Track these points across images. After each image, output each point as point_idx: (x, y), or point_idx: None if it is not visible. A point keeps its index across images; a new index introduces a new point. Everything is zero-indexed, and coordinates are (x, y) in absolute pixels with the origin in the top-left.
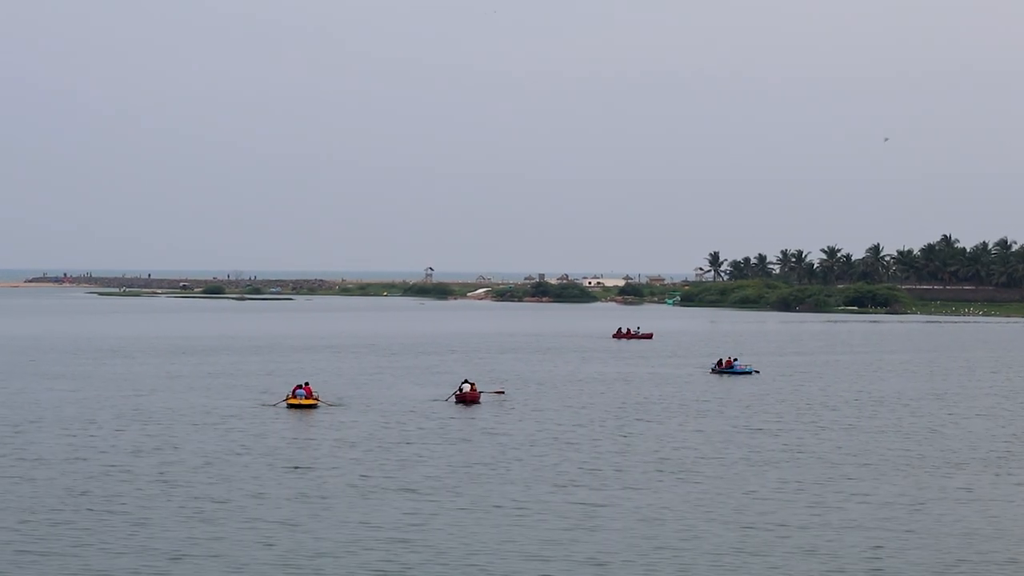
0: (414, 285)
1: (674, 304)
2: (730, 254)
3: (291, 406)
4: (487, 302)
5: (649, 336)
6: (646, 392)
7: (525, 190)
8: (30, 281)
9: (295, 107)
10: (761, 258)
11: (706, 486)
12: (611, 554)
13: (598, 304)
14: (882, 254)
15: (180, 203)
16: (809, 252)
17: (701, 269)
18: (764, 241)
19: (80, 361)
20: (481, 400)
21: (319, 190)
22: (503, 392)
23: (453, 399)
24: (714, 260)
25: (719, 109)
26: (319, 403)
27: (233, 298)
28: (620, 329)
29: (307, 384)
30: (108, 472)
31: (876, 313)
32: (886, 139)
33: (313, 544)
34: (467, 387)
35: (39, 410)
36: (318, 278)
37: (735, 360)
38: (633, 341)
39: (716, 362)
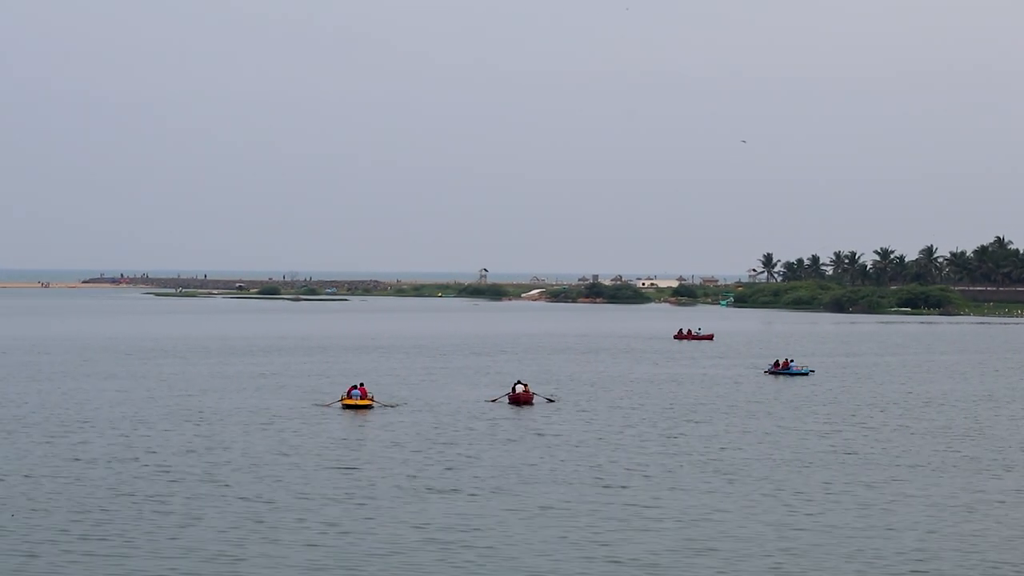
0: (468, 286)
1: (728, 305)
2: (783, 255)
3: (346, 406)
4: (541, 303)
5: (710, 337)
6: (699, 393)
7: (580, 191)
8: (87, 282)
9: (348, 110)
10: (814, 259)
11: (752, 487)
12: (656, 555)
13: (651, 305)
14: (935, 255)
15: (237, 205)
16: (862, 253)
17: (754, 270)
18: (817, 242)
19: (133, 361)
20: (534, 402)
21: (375, 191)
22: (554, 400)
23: (506, 400)
24: (767, 261)
25: (773, 109)
26: (374, 404)
27: (288, 299)
28: (681, 330)
29: (362, 385)
30: (157, 472)
31: (929, 314)
32: (743, 141)
33: (360, 545)
34: (520, 388)
35: (90, 410)
36: (373, 279)
37: (791, 361)
38: (694, 342)
39: (772, 363)
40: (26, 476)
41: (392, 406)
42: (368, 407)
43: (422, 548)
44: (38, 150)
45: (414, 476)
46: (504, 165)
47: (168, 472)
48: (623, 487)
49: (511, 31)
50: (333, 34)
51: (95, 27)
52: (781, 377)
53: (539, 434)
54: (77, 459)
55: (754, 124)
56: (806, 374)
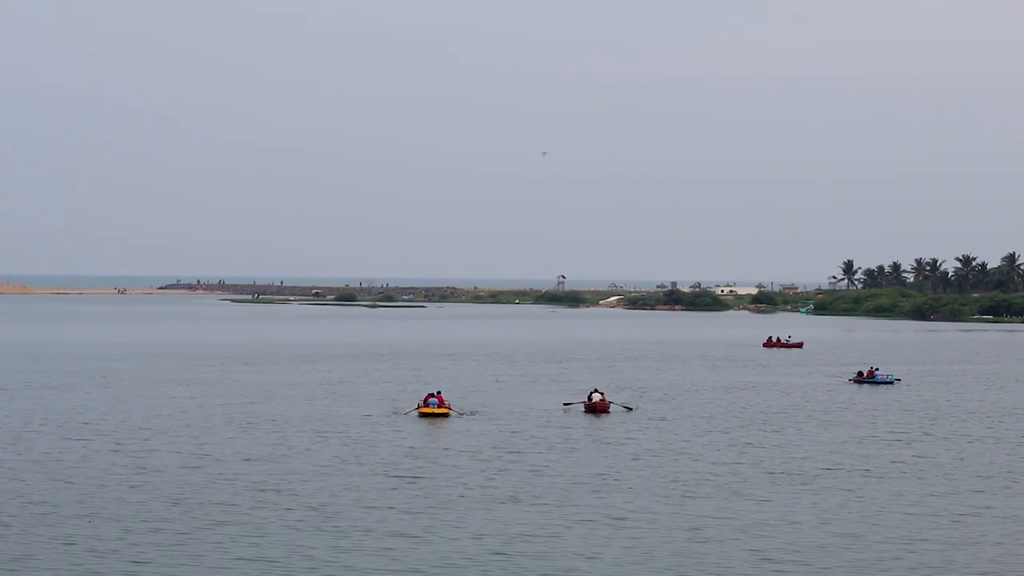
0: (546, 293)
1: (808, 313)
2: (864, 262)
3: (423, 415)
4: (619, 310)
5: (800, 345)
6: (781, 401)
7: (657, 197)
8: (163, 288)
9: (424, 116)
10: (895, 266)
11: (826, 497)
12: (724, 567)
13: (730, 312)
14: (1018, 263)
15: (312, 212)
16: (943, 261)
17: (834, 277)
18: (898, 249)
19: (204, 368)
20: (610, 410)
21: (453, 198)
22: (632, 409)
23: (582, 408)
24: (848, 268)
25: (848, 110)
26: (451, 412)
27: (365, 305)
28: (770, 338)
29: (439, 393)
30: (221, 479)
31: (1012, 322)
32: (544, 153)
33: (418, 556)
34: (597, 397)
35: (159, 416)
36: (450, 286)
37: (876, 370)
38: (783, 350)
39: (857, 372)
40: (100, 485)
41: (468, 414)
42: (445, 415)
43: (482, 560)
44: (116, 163)
45: (483, 486)
46: (582, 172)
47: (232, 480)
48: (693, 497)
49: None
50: (388, 40)
51: (174, 48)
52: (866, 386)
53: (612, 443)
54: (143, 466)
55: (830, 126)
56: (891, 383)
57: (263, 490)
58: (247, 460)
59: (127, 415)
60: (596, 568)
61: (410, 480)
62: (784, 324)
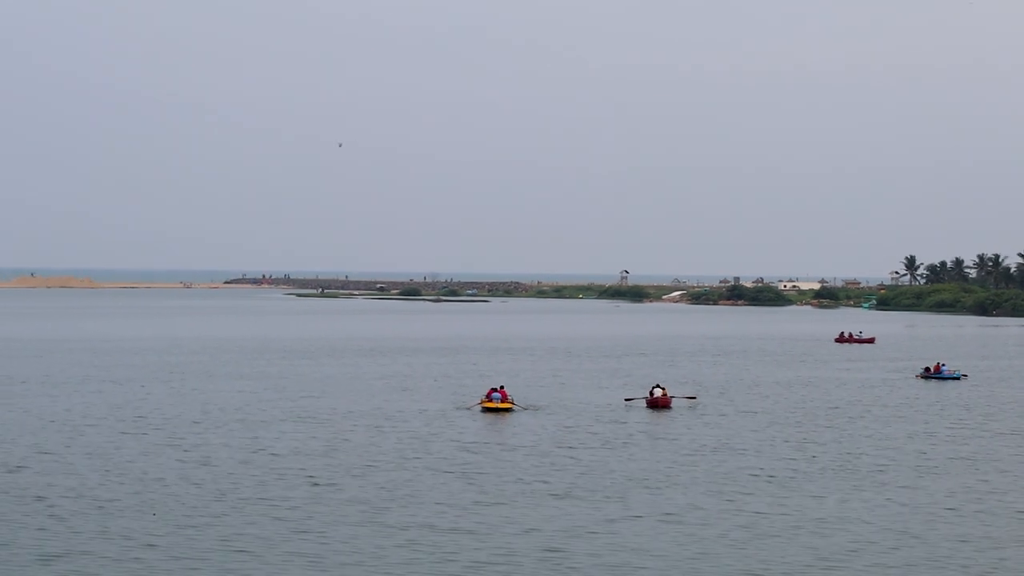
0: (609, 288)
1: (870, 308)
2: (926, 258)
3: (486, 409)
4: (682, 305)
5: (871, 340)
6: (842, 397)
7: (721, 191)
8: (229, 282)
9: (489, 112)
10: (957, 262)
11: (878, 493)
12: (778, 564)
13: (793, 307)
14: None
15: (377, 207)
16: (1006, 256)
17: (897, 273)
18: (960, 244)
19: (264, 362)
20: (673, 405)
21: (516, 193)
22: (695, 398)
23: (643, 403)
24: (910, 264)
25: (912, 103)
26: (514, 407)
27: (429, 300)
28: (842, 333)
29: (502, 387)
30: (273, 474)
31: None
32: (340, 145)
33: (475, 551)
34: (659, 392)
35: (217, 410)
36: (514, 280)
37: (943, 365)
38: (854, 345)
39: (924, 368)
40: (153, 479)
41: (531, 409)
42: (508, 410)
43: (534, 556)
44: (182, 162)
45: (538, 481)
46: (647, 166)
47: (284, 474)
48: (749, 493)
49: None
50: (461, 35)
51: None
52: (932, 381)
53: (669, 439)
54: (196, 460)
55: (892, 118)
56: (958, 378)
57: (316, 484)
58: (302, 454)
59: (184, 409)
60: (650, 564)
61: (464, 475)
62: (846, 319)
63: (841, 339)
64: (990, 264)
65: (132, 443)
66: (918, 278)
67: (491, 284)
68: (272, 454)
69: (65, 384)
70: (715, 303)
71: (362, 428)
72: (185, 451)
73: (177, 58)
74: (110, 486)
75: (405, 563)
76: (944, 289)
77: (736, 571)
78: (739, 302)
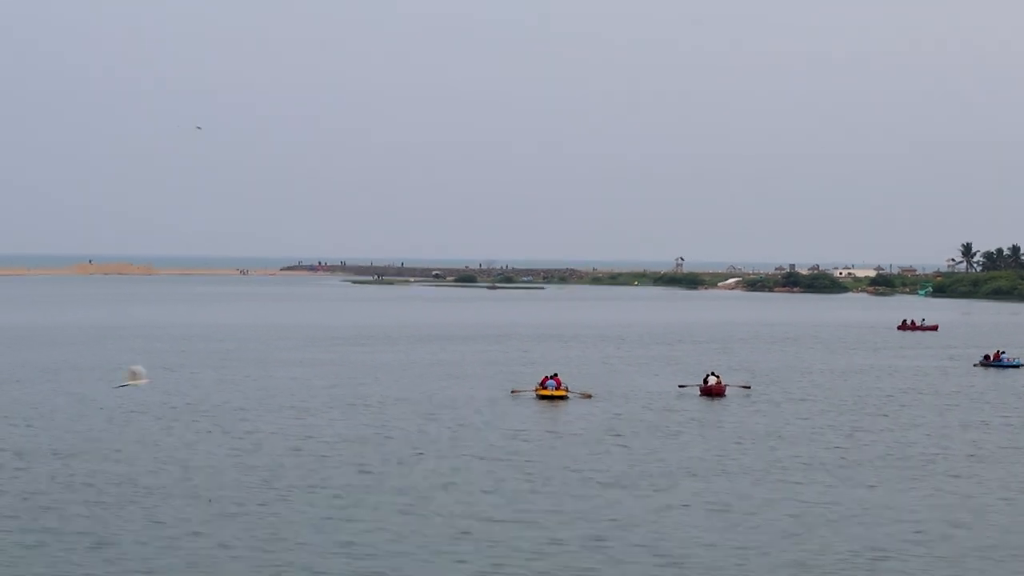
0: (664, 275)
1: (926, 295)
2: (982, 245)
3: (540, 397)
4: (737, 292)
5: (935, 328)
6: (898, 384)
7: (777, 177)
8: (285, 269)
9: (546, 103)
10: (1014, 249)
11: (927, 481)
12: (827, 553)
13: (848, 295)
14: None
15: (432, 195)
16: None
17: (953, 260)
18: (1017, 231)
19: (316, 349)
20: (727, 393)
21: (571, 179)
22: (749, 387)
23: (697, 391)
24: (966, 251)
25: (963, 90)
26: (568, 394)
27: (485, 287)
28: (905, 321)
29: (556, 375)
30: (318, 461)
31: None
32: (198, 127)
33: (518, 540)
34: (713, 380)
35: (263, 397)
36: (569, 267)
37: (1002, 353)
38: (917, 333)
39: (983, 356)
40: (198, 466)
41: (587, 396)
42: (563, 398)
43: (577, 545)
44: (239, 152)
45: (586, 469)
46: (698, 151)
47: (327, 461)
48: (798, 483)
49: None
50: (503, 28)
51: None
52: (992, 369)
53: (720, 427)
54: (241, 448)
55: (947, 106)
56: (1018, 366)
57: (364, 472)
58: (351, 442)
59: (232, 396)
60: (697, 554)
61: (513, 463)
62: (902, 306)
63: (904, 326)
64: None
65: (181, 430)
66: (974, 265)
67: (547, 271)
68: (321, 441)
69: (117, 371)
70: (770, 290)
71: (412, 416)
72: (234, 438)
73: (223, 49)
74: (158, 473)
75: (451, 552)
76: (1001, 276)
77: (785, 561)
78: (794, 289)
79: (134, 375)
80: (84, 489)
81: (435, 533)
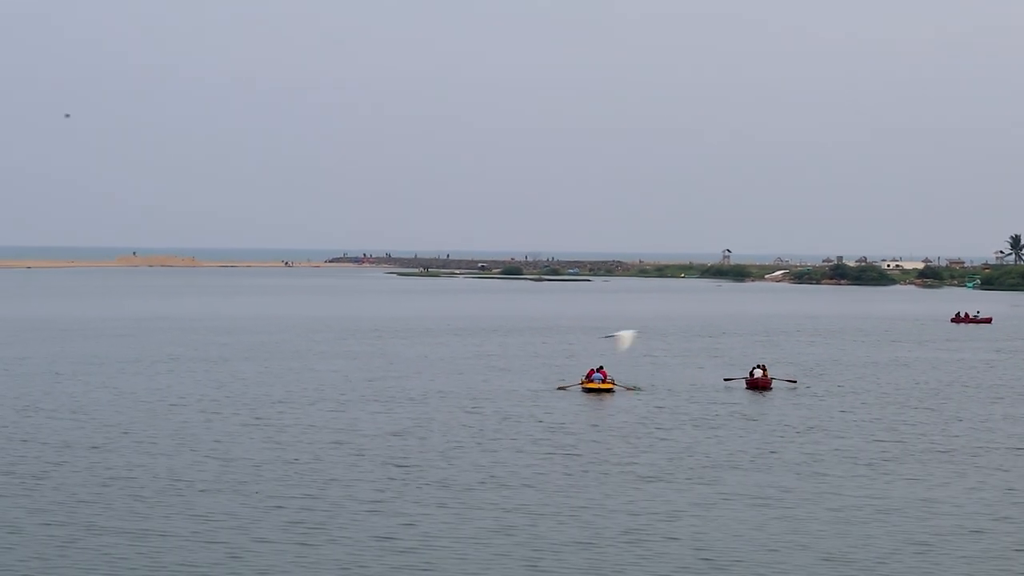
0: (711, 267)
1: (974, 287)
2: None
3: (586, 390)
4: (784, 284)
5: (988, 320)
6: (944, 377)
7: (825, 170)
8: (330, 261)
9: (594, 96)
10: None
11: (970, 475)
12: (869, 548)
13: (896, 287)
14: None
15: (478, 187)
16: None
17: (1001, 252)
18: None
19: (357, 341)
20: (773, 387)
21: (620, 167)
22: (795, 382)
23: (743, 384)
24: (1015, 243)
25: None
26: (615, 387)
27: (531, 279)
28: (959, 313)
29: (602, 368)
30: (354, 455)
31: None
32: (67, 115)
33: (556, 535)
34: (759, 372)
35: (301, 390)
36: (615, 259)
37: None
38: (971, 326)
39: None
40: (233, 459)
41: (633, 389)
42: (609, 391)
43: (616, 539)
44: (280, 143)
45: (626, 463)
46: (751, 145)
47: (364, 454)
48: (840, 476)
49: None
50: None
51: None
52: None
53: (763, 420)
54: (277, 441)
55: (998, 97)
56: None
57: (401, 465)
58: (389, 435)
59: (273, 388)
60: (737, 548)
61: (553, 456)
62: (950, 299)
63: (957, 319)
64: None
65: (221, 423)
66: (1023, 258)
67: (593, 263)
68: (361, 434)
69: (156, 363)
70: (818, 283)
71: (453, 409)
72: (274, 431)
73: (274, 40)
74: (197, 466)
75: (488, 546)
76: None
77: (825, 554)
78: (842, 282)
79: (623, 339)
80: (123, 483)
81: (475, 527)
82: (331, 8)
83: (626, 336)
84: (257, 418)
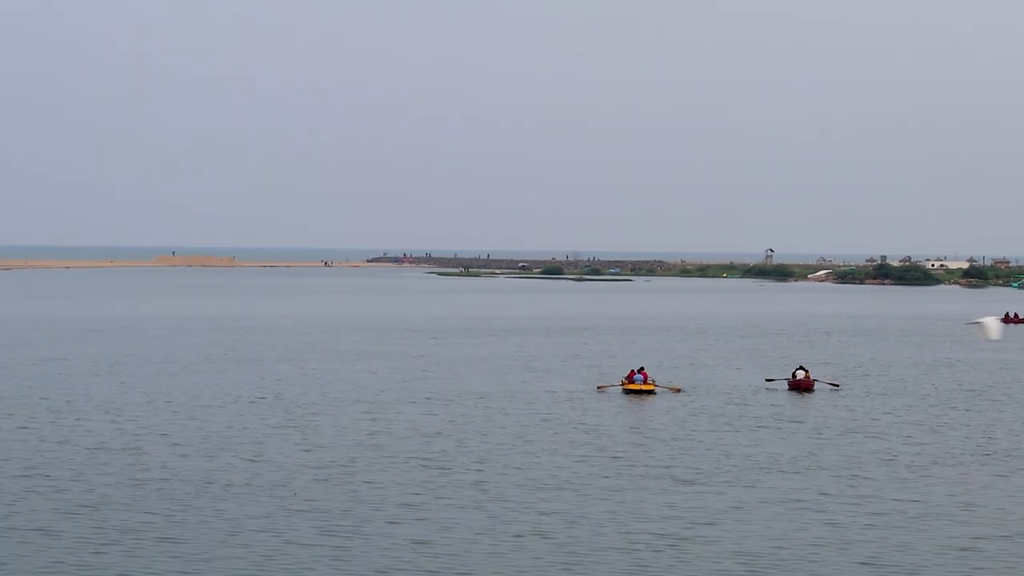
0: (754, 267)
1: (1020, 287)
2: None
3: (627, 391)
4: (827, 284)
5: None
6: (986, 379)
7: (866, 168)
8: (371, 261)
9: (638, 88)
10: None
11: (1013, 478)
12: (906, 552)
13: (941, 287)
14: None
15: (516, 187)
16: None
17: None
18: None
19: (393, 341)
20: (815, 388)
21: (660, 168)
22: (838, 386)
23: (785, 385)
24: None
25: None
26: (656, 388)
27: (571, 279)
28: (1007, 314)
29: (643, 369)
30: (387, 457)
31: None
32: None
33: (591, 539)
34: (801, 374)
35: (335, 390)
36: (657, 259)
37: None
38: (1021, 327)
39: None
40: (265, 460)
41: (675, 390)
42: (650, 392)
43: (651, 543)
44: (319, 145)
45: (670, 465)
46: (792, 143)
47: (402, 458)
48: (881, 479)
49: None
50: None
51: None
52: None
53: (804, 422)
54: (311, 443)
55: None
56: None
57: (433, 467)
58: (422, 436)
59: (308, 389)
60: (773, 552)
61: (588, 459)
62: (995, 299)
63: (1006, 320)
64: None
65: (256, 424)
66: None
67: (634, 263)
68: (397, 436)
69: (190, 365)
70: (861, 282)
71: (490, 410)
72: (307, 432)
73: (306, 43)
74: (229, 468)
75: (524, 550)
76: None
77: (864, 559)
78: (885, 281)
79: (989, 326)
80: (157, 484)
81: (511, 531)
82: (386, 8)
83: (991, 324)
84: (292, 419)
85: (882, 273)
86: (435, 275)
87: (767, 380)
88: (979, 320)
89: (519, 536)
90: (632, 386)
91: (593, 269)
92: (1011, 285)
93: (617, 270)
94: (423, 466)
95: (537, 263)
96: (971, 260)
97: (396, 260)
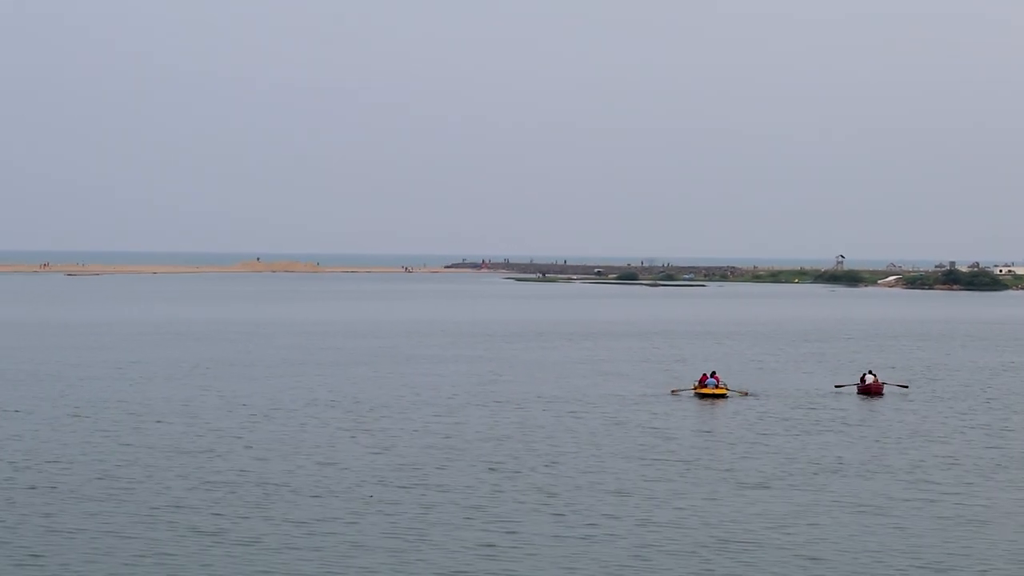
0: (825, 272)
1: None
2: None
3: (700, 395)
4: (897, 289)
5: None
6: None
7: (938, 174)
8: (450, 267)
9: (715, 93)
10: None
11: None
12: (970, 557)
13: (1009, 292)
14: None
15: (596, 192)
16: None
17: None
18: None
19: (466, 345)
20: (884, 392)
21: (735, 175)
22: (907, 387)
23: (854, 390)
24: None
25: None
26: (728, 392)
27: (646, 284)
28: None
29: (715, 373)
30: (456, 458)
31: None
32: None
33: (650, 541)
34: (870, 378)
35: (408, 394)
36: (731, 265)
37: None
38: None
39: None
40: (331, 463)
41: (745, 394)
42: (723, 396)
43: (714, 547)
44: (402, 152)
45: (735, 469)
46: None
47: (469, 461)
48: (946, 483)
49: None
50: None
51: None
52: None
53: (871, 426)
54: (379, 446)
55: None
56: None
57: (499, 470)
58: (490, 439)
59: (381, 393)
60: (837, 556)
61: (655, 463)
62: None
63: None
64: None
65: (329, 428)
66: None
67: (708, 269)
68: (467, 440)
69: (265, 368)
70: (930, 288)
71: (561, 414)
72: (377, 436)
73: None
74: (300, 470)
75: (590, 554)
76: None
77: (929, 563)
78: (954, 287)
79: None
80: (229, 487)
81: (575, 534)
82: (436, 14)
83: None
84: (364, 423)
85: (951, 279)
86: (512, 280)
87: (836, 386)
88: None
89: (586, 540)
90: (704, 390)
91: (667, 275)
92: None
93: (691, 276)
94: (492, 469)
95: (613, 269)
96: None
97: (475, 266)
